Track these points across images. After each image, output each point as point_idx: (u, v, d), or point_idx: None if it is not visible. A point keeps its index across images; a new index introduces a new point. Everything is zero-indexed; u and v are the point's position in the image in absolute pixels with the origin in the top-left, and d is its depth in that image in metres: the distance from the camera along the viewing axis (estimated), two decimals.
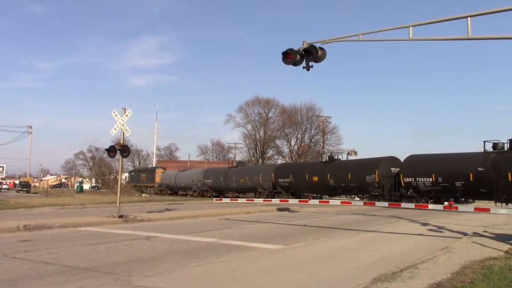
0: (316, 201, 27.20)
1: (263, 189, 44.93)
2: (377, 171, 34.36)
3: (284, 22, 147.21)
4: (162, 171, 66.49)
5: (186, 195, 55.36)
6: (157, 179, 64.55)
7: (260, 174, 46.32)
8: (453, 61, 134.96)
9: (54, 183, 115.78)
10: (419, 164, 32.32)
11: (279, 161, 75.87)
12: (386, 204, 21.60)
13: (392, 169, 34.88)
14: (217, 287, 6.99)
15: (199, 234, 13.86)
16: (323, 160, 42.34)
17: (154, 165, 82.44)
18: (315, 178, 39.41)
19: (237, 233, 14.56)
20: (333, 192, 39.65)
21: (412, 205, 19.45)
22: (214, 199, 34.13)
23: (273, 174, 44.43)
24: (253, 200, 30.76)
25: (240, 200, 31.64)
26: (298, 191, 42.67)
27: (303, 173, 41.31)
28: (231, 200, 34.41)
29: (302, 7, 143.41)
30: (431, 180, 30.76)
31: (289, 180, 42.51)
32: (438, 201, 30.33)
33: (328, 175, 38.32)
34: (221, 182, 51.14)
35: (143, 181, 68.29)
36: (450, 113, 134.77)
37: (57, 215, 19.60)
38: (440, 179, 30.23)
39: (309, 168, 42.39)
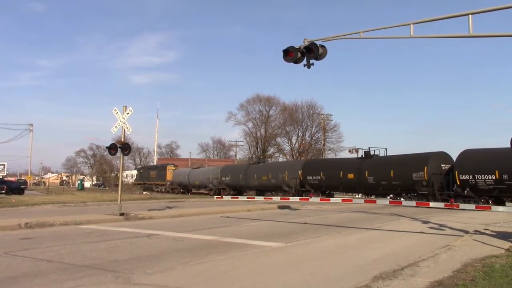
0: (317, 199, 27.25)
1: (289, 187, 41.63)
2: (425, 167, 30.95)
3: (285, 20, 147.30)
4: (173, 168, 63.84)
5: (200, 194, 53.72)
6: (168, 176, 62.04)
7: (286, 171, 43.01)
8: (453, 59, 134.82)
9: (34, 181, 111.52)
10: (478, 159, 28.89)
11: (280, 159, 75.93)
12: (387, 202, 21.67)
13: (442, 165, 31.69)
14: (218, 285, 6.99)
15: (200, 232, 13.87)
16: (359, 155, 38.52)
17: (155, 163, 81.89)
18: (351, 176, 36.25)
19: (238, 231, 14.57)
20: (372, 191, 36.34)
21: (413, 203, 19.47)
22: (215, 197, 34.14)
23: (300, 171, 41.21)
24: (254, 198, 30.70)
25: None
26: (330, 189, 39.76)
27: (336, 170, 38.07)
28: (232, 198, 34.40)
29: (303, 5, 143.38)
30: (493, 177, 27.14)
31: (319, 177, 39.25)
32: (500, 201, 27.65)
33: (366, 172, 35.10)
34: (240, 180, 48.25)
35: (153, 179, 65.79)
36: (450, 111, 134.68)
37: (58, 213, 19.62)
38: (505, 176, 26.62)
39: (343, 165, 38.76)
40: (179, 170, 62.70)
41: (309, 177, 40.41)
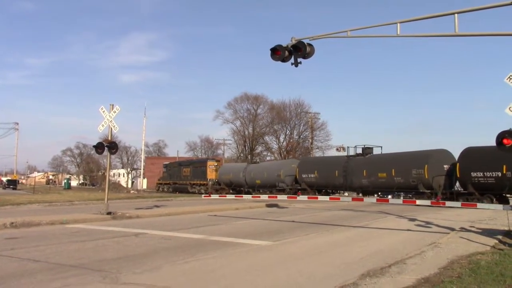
0: (304, 197, 27.30)
1: (427, 188, 29.97)
2: None
3: (273, 20, 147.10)
4: (215, 163, 53.84)
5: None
6: (210, 174, 52.14)
7: (426, 164, 30.14)
8: (440, 59, 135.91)
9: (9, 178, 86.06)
10: None
11: (268, 158, 75.91)
12: (374, 200, 21.75)
13: None
14: (206, 283, 6.97)
15: (187, 230, 13.82)
16: None
17: (143, 162, 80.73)
18: None
19: (225, 229, 14.56)
20: None
21: (400, 201, 19.58)
22: (203, 195, 33.97)
23: (456, 165, 28.57)
24: (242, 197, 30.70)
25: None
26: None
27: None
28: (219, 196, 34.28)
29: (291, 4, 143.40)
30: None
31: (500, 173, 25.71)
32: None
33: None
34: (334, 178, 36.89)
35: (186, 177, 55.60)
36: (437, 111, 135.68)
37: (44, 212, 19.40)
38: None
39: None
40: (229, 166, 53.43)
41: (476, 174, 26.90)
